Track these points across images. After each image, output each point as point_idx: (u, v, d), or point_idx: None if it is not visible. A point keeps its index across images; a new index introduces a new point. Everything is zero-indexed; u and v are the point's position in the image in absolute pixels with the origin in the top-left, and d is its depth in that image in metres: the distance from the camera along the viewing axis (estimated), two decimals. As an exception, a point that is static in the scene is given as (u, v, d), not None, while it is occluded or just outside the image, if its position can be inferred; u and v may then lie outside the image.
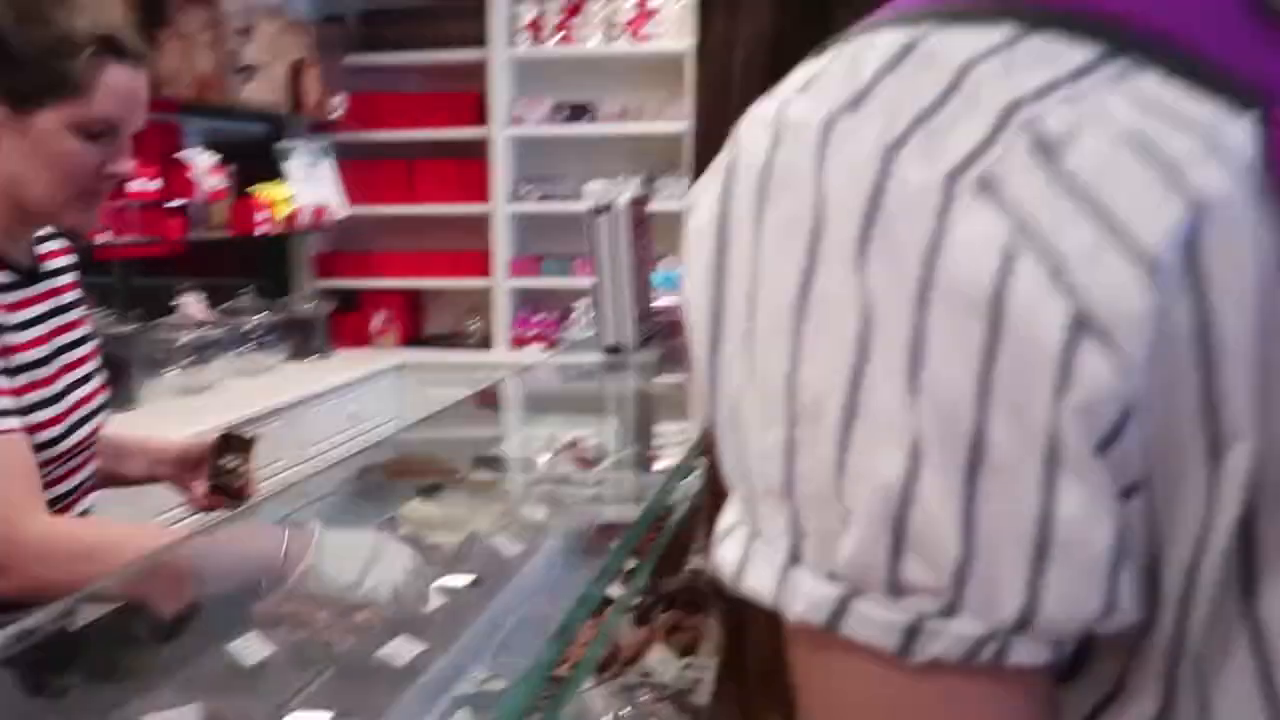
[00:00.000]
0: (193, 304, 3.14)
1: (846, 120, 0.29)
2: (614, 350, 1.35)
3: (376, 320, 4.05)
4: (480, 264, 4.05)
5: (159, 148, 3.19)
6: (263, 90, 3.47)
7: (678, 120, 3.89)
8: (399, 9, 4.05)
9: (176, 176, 3.11)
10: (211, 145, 3.26)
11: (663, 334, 1.61)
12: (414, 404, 3.94)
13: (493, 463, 1.71)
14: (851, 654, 0.29)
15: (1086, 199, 0.27)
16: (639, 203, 1.31)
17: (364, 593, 1.05)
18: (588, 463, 1.37)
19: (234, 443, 1.36)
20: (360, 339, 3.99)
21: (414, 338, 4.21)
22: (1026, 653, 0.28)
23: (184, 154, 3.16)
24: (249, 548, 1.15)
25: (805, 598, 0.29)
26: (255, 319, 3.33)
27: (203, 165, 3.18)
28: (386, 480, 1.50)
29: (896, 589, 0.28)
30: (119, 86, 1.12)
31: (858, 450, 0.28)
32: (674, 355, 1.56)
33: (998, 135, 0.27)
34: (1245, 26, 0.29)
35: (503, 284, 4.06)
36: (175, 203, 3.08)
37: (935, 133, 0.28)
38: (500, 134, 3.96)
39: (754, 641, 0.42)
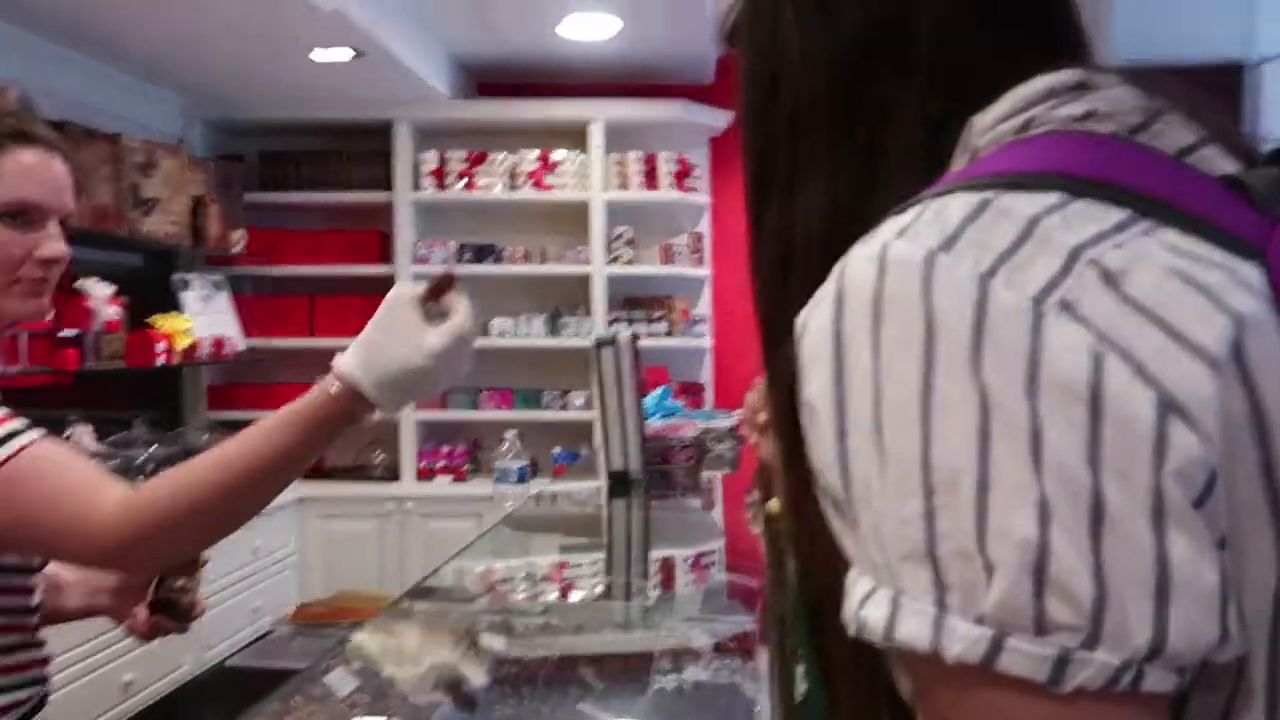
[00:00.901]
0: (83, 436, 3.01)
1: (943, 257, 0.37)
2: (618, 476, 1.40)
3: (272, 455, 3.94)
4: (381, 398, 4.03)
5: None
6: (162, 223, 3.46)
7: (579, 264, 4.06)
8: (301, 150, 4.13)
9: (71, 306, 3.03)
10: (109, 276, 3.20)
11: (657, 460, 1.66)
12: (315, 537, 3.83)
13: (429, 594, 1.70)
14: (1004, 687, 0.34)
15: (1150, 314, 0.35)
16: (634, 339, 1.40)
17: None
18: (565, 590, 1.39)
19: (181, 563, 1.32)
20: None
21: (313, 470, 4.10)
22: (1156, 680, 0.34)
23: (80, 284, 3.09)
24: (300, 412, 1.03)
25: (961, 640, 0.34)
26: (147, 451, 3.21)
27: (100, 295, 3.11)
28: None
29: (1042, 627, 0.34)
30: (30, 168, 1.11)
31: (995, 513, 0.34)
32: (669, 482, 1.62)
33: (1070, 269, 0.36)
34: (1226, 198, 0.39)
35: (409, 416, 4.05)
36: (68, 333, 2.99)
37: (1017, 267, 0.36)
38: (405, 272, 4.02)
39: (844, 681, 0.48)
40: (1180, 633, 0.33)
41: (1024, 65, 0.45)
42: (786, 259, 0.50)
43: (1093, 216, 0.37)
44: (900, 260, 0.38)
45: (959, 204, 0.39)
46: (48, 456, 1.03)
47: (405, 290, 1.07)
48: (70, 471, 1.03)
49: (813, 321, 0.40)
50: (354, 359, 1.03)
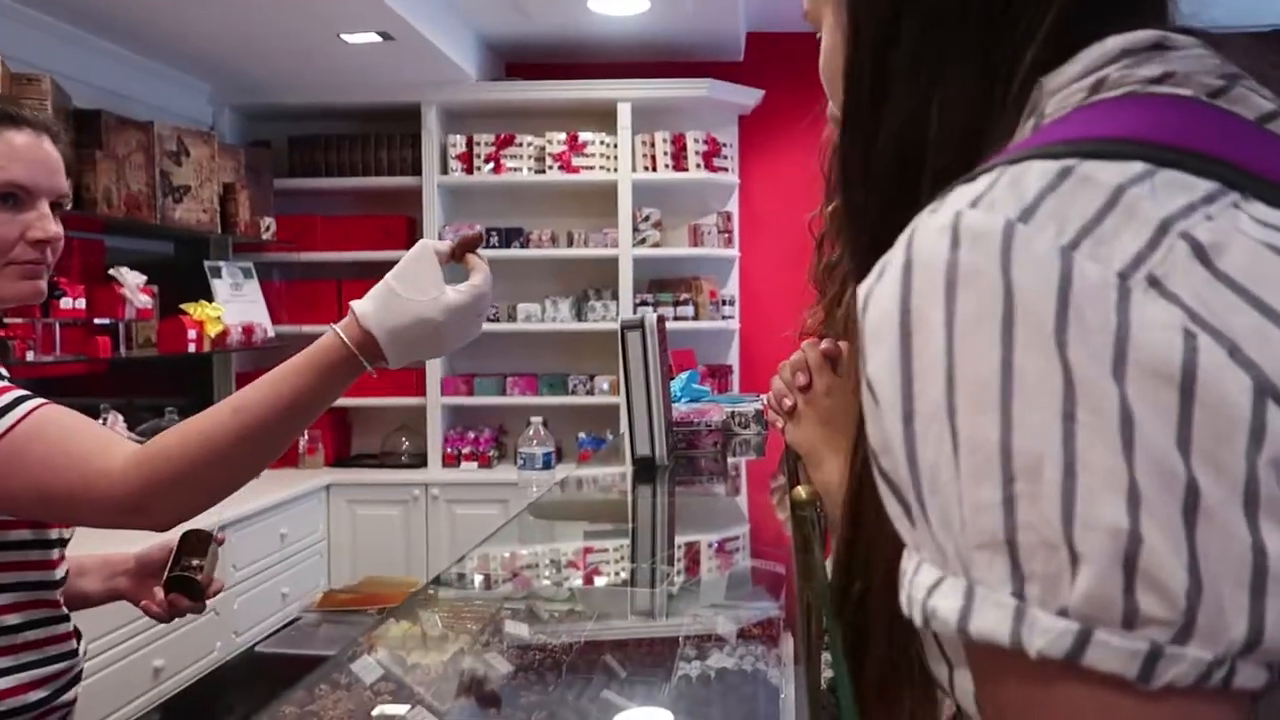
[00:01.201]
0: (115, 424, 3.04)
1: (1022, 228, 0.34)
2: (645, 461, 1.39)
3: (304, 440, 3.99)
4: (412, 382, 4.05)
5: (86, 266, 3.15)
6: (194, 211, 3.48)
7: (606, 247, 4.04)
8: (330, 135, 4.14)
9: (104, 295, 3.06)
10: (139, 264, 3.23)
11: (683, 445, 1.65)
12: (343, 524, 3.86)
13: (454, 581, 1.70)
14: (1089, 683, 0.32)
15: (1245, 292, 0.33)
16: (661, 322, 1.37)
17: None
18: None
19: (196, 542, 1.31)
20: (288, 459, 3.91)
21: (342, 457, 4.15)
22: (1248, 676, 0.32)
23: (114, 272, 3.12)
24: (312, 358, 1.05)
25: (1044, 633, 0.32)
26: (179, 439, 3.24)
27: (132, 283, 3.14)
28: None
29: (1131, 621, 0.32)
30: (20, 149, 1.11)
31: (1083, 501, 0.32)
32: (695, 467, 1.60)
33: (1159, 242, 0.33)
34: None
35: (436, 402, 4.06)
36: (102, 321, 3.03)
37: (1101, 240, 0.34)
38: (432, 256, 4.02)
39: (874, 659, 0.47)
40: (1277, 625, 0.32)
41: (1104, 23, 0.42)
42: (913, 157, 0.45)
43: (1181, 186, 0.35)
44: (976, 231, 0.35)
45: (1037, 172, 0.36)
46: (54, 419, 1.04)
47: (430, 244, 1.07)
48: (78, 433, 1.04)
49: (877, 293, 0.38)
50: (371, 305, 1.04)
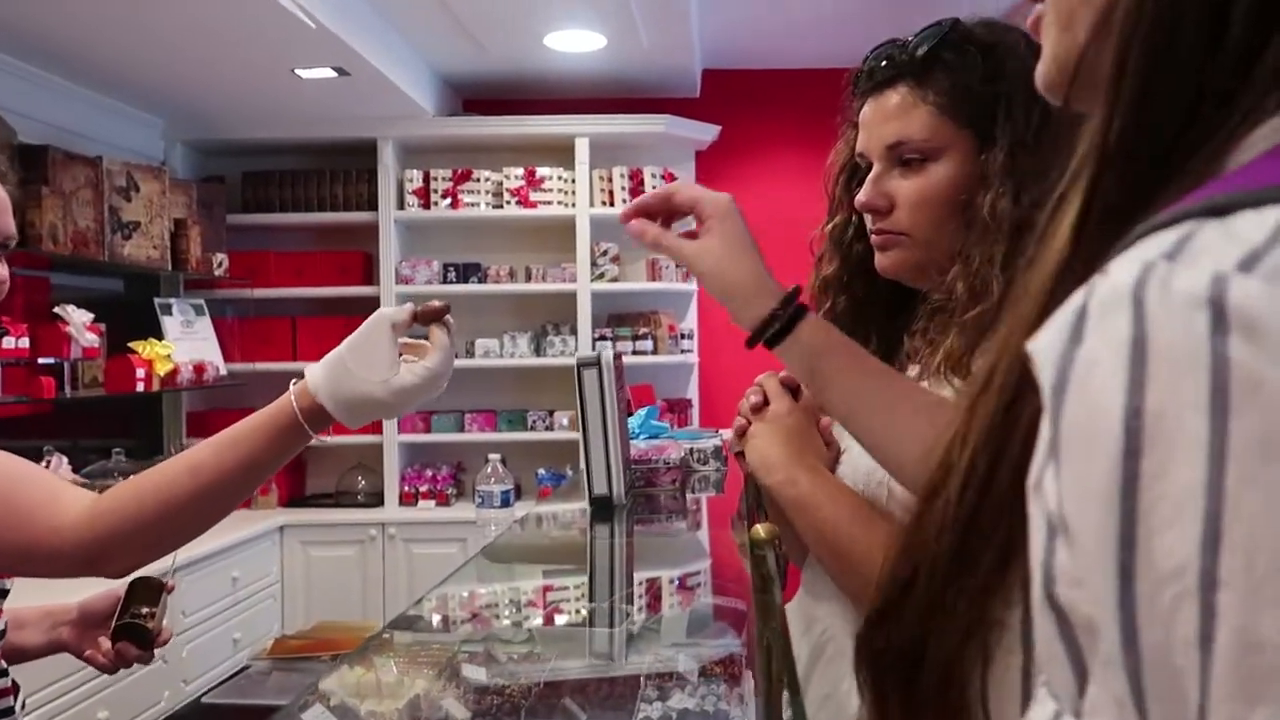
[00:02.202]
0: (59, 467, 2.96)
1: None
2: (602, 500, 1.37)
3: (254, 480, 3.91)
4: (366, 420, 4.00)
5: (30, 304, 3.08)
6: (143, 247, 3.42)
7: (564, 281, 4.04)
8: (285, 170, 4.10)
9: (49, 333, 2.99)
10: (88, 302, 3.16)
11: (642, 483, 1.64)
12: (297, 566, 3.78)
13: (409, 624, 1.66)
14: None
15: None
16: (618, 358, 1.37)
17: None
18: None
19: (146, 589, 1.29)
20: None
21: (296, 497, 4.07)
22: None
23: (59, 310, 3.05)
24: (266, 421, 1.05)
25: None
26: (123, 482, 3.16)
27: (78, 321, 3.07)
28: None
29: None
30: None
31: None
32: (653, 505, 1.59)
33: None
34: None
35: (392, 440, 4.00)
36: (46, 360, 2.95)
37: None
38: (389, 292, 3.99)
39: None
40: None
41: None
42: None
43: None
44: (1256, 317, 0.25)
45: None
46: (1, 470, 1.02)
47: (387, 314, 1.06)
48: (25, 482, 1.02)
49: (1080, 372, 0.27)
50: (321, 376, 1.04)
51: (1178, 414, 0.25)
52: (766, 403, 1.06)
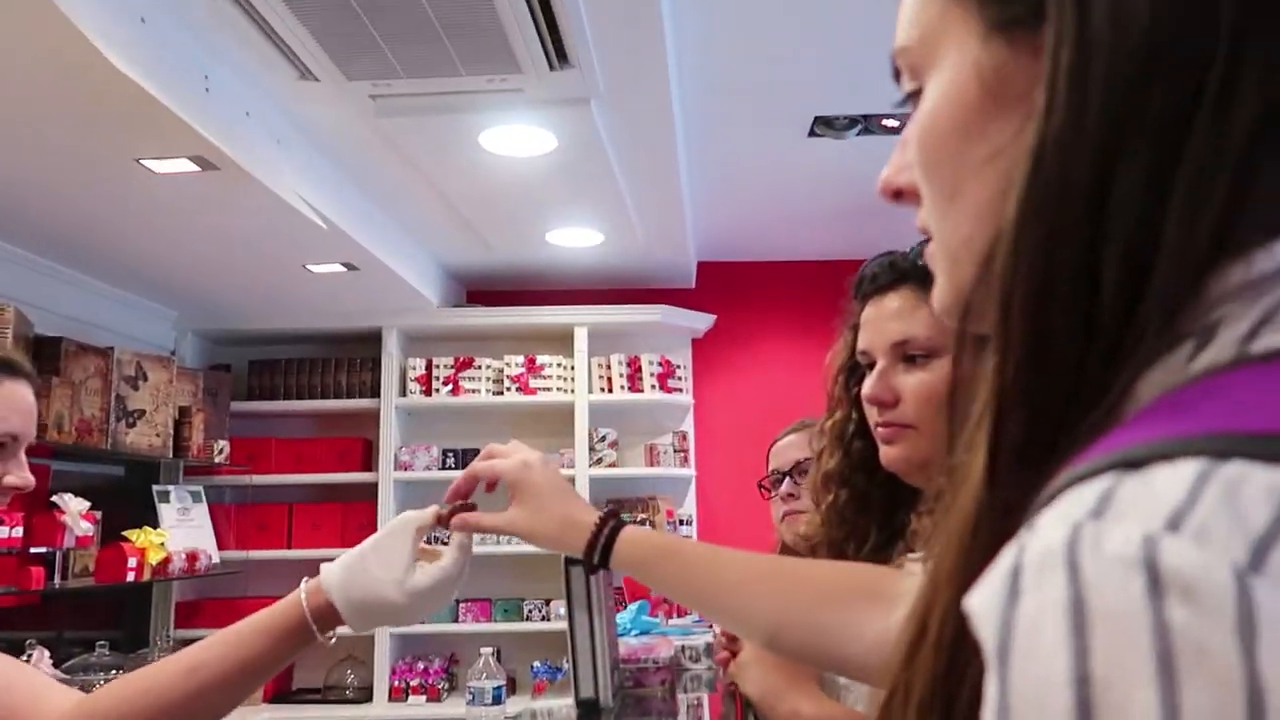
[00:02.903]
0: (40, 661, 2.87)
1: (1261, 586, 0.24)
2: (588, 704, 1.34)
3: (240, 674, 3.78)
4: (358, 610, 3.91)
5: (28, 492, 3.08)
6: (145, 435, 3.46)
7: (562, 467, 4.05)
8: (290, 359, 4.20)
9: (43, 522, 2.97)
10: (87, 488, 3.17)
11: (631, 683, 1.59)
12: (278, 769, 3.59)
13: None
14: None
15: None
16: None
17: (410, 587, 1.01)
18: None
19: None
20: (220, 695, 3.69)
21: (283, 692, 3.92)
22: None
23: (56, 499, 3.05)
24: (272, 620, 1.02)
25: None
26: (106, 677, 3.06)
27: (74, 510, 3.06)
28: None
29: None
30: (17, 402, 1.17)
31: None
32: (643, 707, 1.54)
33: None
34: None
35: (384, 631, 3.90)
36: (39, 550, 2.93)
37: None
38: (387, 478, 4.00)
39: None
40: None
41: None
42: (1126, 299, 0.32)
43: None
44: (1191, 581, 0.25)
45: (1260, 488, 0.26)
46: None
47: (413, 517, 1.06)
48: (10, 681, 1.00)
49: (1021, 641, 0.27)
50: (337, 576, 1.02)
51: (1125, 684, 0.25)
52: None
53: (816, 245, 4.17)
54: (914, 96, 0.42)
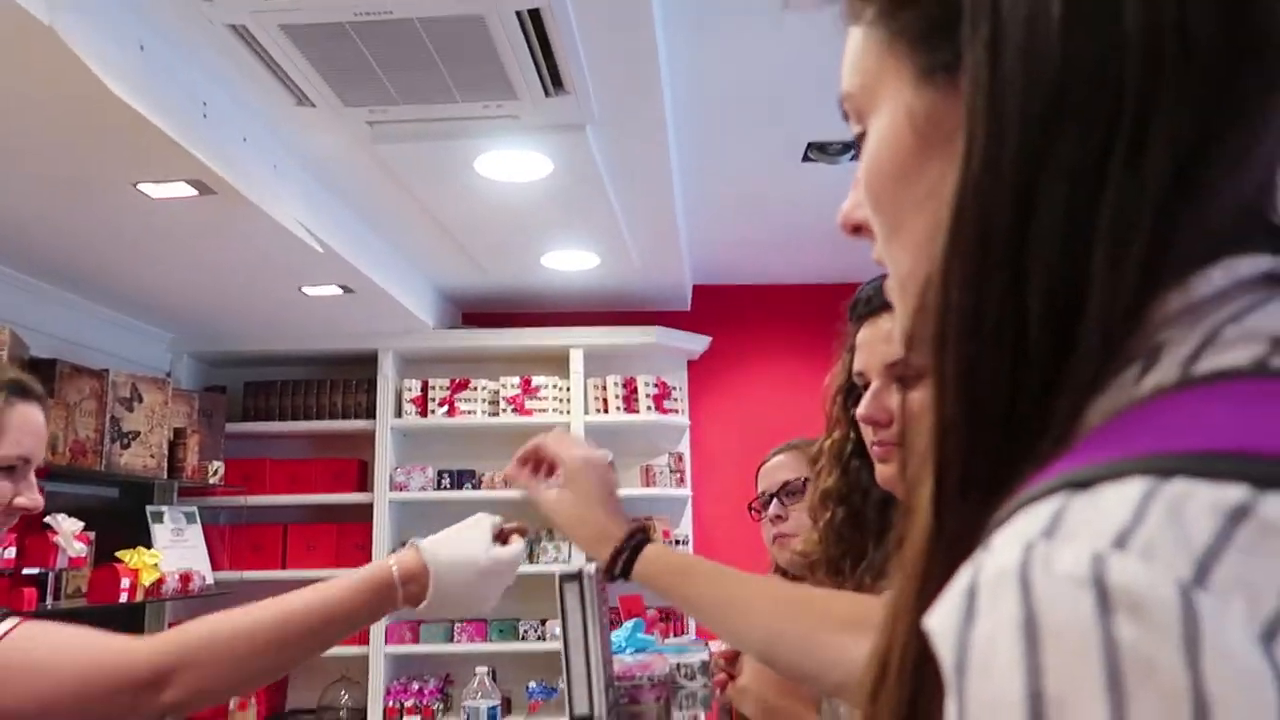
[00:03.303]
0: (33, 683, 2.87)
1: (1205, 600, 0.25)
2: (583, 720, 1.35)
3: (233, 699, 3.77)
4: (352, 632, 3.90)
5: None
6: (140, 456, 3.46)
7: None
8: (286, 380, 4.21)
9: (36, 544, 2.98)
10: (81, 509, 3.17)
11: (625, 700, 1.60)
12: (270, 793, 3.57)
13: None
14: None
15: None
16: (600, 571, 1.40)
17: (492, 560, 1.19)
18: None
19: None
20: (217, 715, 3.67)
21: (276, 713, 3.91)
22: None
23: (50, 519, 3.05)
24: (362, 582, 1.15)
25: None
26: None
27: (67, 530, 3.06)
28: None
29: None
30: (29, 424, 1.19)
31: None
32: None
33: None
34: None
35: (379, 650, 3.89)
36: (31, 571, 2.93)
37: None
38: (382, 499, 4.00)
39: None
40: None
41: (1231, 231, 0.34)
42: (1058, 337, 0.33)
43: None
44: (1137, 597, 0.26)
45: (1203, 504, 0.26)
46: (43, 630, 1.06)
47: (487, 516, 1.29)
48: (90, 639, 1.07)
49: (977, 657, 0.28)
50: (429, 539, 1.20)
51: (1077, 700, 0.25)
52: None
53: (810, 269, 4.20)
54: (862, 138, 0.44)
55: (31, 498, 1.19)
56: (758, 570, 1.94)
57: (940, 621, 0.29)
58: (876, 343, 1.04)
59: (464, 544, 1.21)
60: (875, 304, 1.06)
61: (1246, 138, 0.34)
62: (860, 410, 1.04)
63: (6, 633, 1.03)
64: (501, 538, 1.27)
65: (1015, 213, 0.34)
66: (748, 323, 4.51)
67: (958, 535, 0.33)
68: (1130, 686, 0.25)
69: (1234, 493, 0.26)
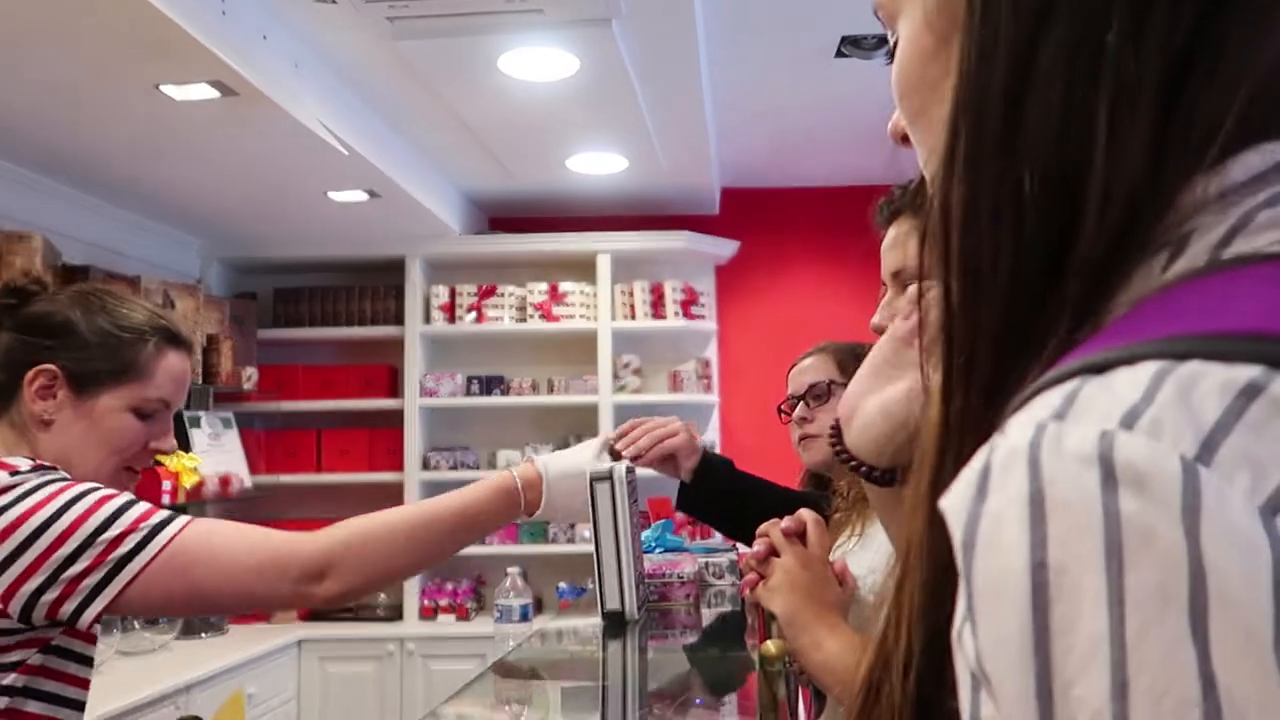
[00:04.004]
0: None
1: (1209, 476, 0.25)
2: (614, 616, 1.38)
3: (274, 593, 3.89)
4: (387, 533, 4.00)
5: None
6: (177, 362, 3.51)
7: (586, 394, 4.08)
8: (315, 287, 4.23)
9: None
10: (119, 415, 3.23)
11: (656, 597, 1.64)
12: (314, 683, 3.72)
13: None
14: None
15: None
16: (630, 472, 1.42)
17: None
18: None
19: None
20: (257, 613, 3.81)
21: (314, 611, 4.04)
22: None
23: (91, 424, 3.12)
24: (492, 489, 1.29)
25: None
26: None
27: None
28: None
29: None
30: (174, 370, 1.22)
31: None
32: (668, 620, 1.58)
33: None
34: None
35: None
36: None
37: None
38: (413, 405, 4.05)
39: None
40: None
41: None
42: (1057, 231, 0.33)
43: None
44: (1141, 471, 0.26)
45: (1215, 384, 0.26)
46: (212, 525, 1.13)
47: (596, 439, 1.48)
48: (269, 532, 1.14)
49: (985, 529, 0.28)
50: (546, 454, 1.38)
51: (1078, 569, 0.26)
52: (773, 551, 1.11)
53: (843, 170, 4.11)
54: (897, 45, 0.44)
55: (168, 441, 1.23)
56: (787, 474, 1.94)
57: (953, 501, 0.30)
58: (883, 251, 1.03)
59: (574, 456, 1.37)
60: (884, 213, 1.04)
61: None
62: (873, 319, 1.02)
63: (184, 526, 1.09)
64: (613, 454, 1.43)
65: (1009, 91, 0.34)
66: (777, 227, 4.44)
67: (968, 423, 0.34)
68: (1129, 555, 0.25)
69: (1247, 372, 0.26)
